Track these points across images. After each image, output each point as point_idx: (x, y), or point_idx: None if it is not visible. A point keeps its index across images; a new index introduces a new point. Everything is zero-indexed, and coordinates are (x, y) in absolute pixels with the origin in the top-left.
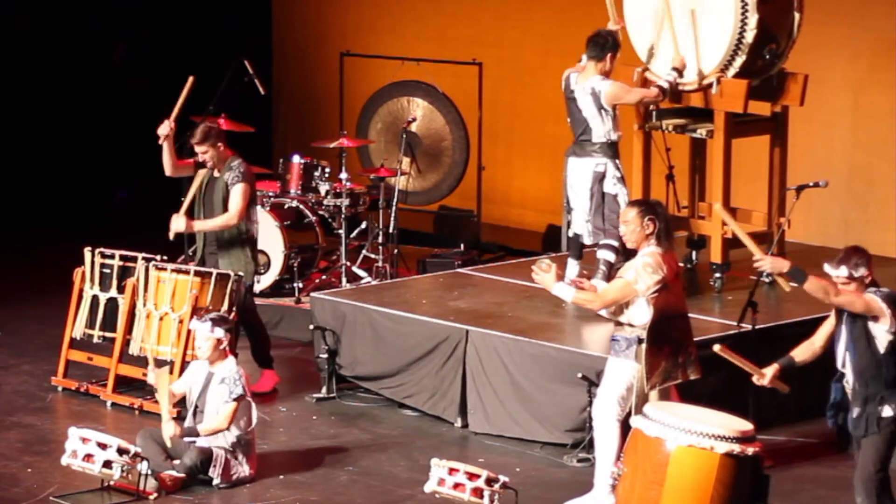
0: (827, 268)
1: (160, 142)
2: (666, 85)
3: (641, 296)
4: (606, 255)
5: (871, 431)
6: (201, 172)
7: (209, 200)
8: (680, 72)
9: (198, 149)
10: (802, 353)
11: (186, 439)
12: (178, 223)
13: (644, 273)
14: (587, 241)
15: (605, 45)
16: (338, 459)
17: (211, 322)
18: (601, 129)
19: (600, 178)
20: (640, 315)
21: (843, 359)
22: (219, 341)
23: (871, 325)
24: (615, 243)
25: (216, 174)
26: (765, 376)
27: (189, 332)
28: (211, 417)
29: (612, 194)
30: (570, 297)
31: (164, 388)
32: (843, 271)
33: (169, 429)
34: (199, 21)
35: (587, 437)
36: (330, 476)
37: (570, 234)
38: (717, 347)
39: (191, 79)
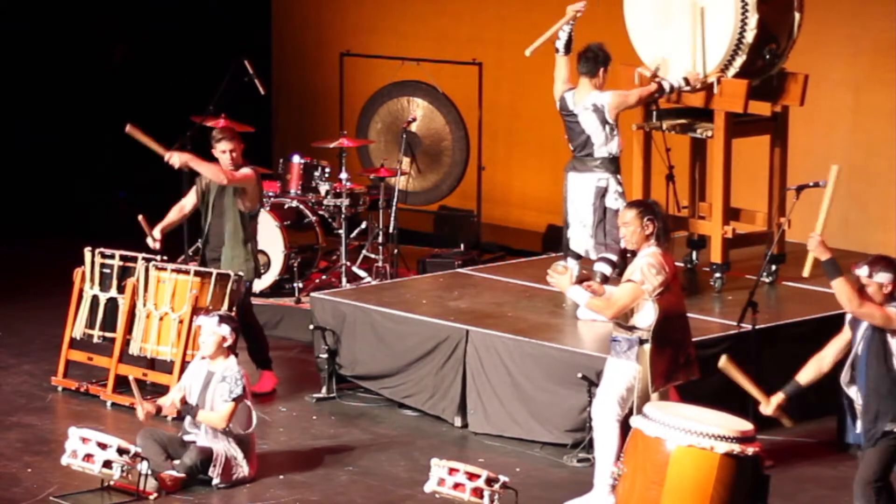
0: (855, 269)
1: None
2: (667, 86)
3: (647, 297)
4: (603, 269)
5: (877, 443)
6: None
7: (219, 206)
8: (690, 84)
9: (227, 145)
10: (808, 374)
11: (186, 438)
12: (174, 159)
13: (649, 274)
14: (593, 256)
15: (597, 60)
16: (338, 459)
17: (218, 318)
18: (603, 145)
19: (602, 193)
20: (646, 317)
21: (852, 371)
22: (223, 338)
23: (889, 339)
24: (614, 258)
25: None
26: (770, 404)
27: (189, 332)
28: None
29: (613, 209)
30: (584, 302)
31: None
32: (863, 270)
33: (174, 393)
34: (199, 21)
35: (587, 437)
36: (330, 476)
37: (569, 245)
38: (722, 362)
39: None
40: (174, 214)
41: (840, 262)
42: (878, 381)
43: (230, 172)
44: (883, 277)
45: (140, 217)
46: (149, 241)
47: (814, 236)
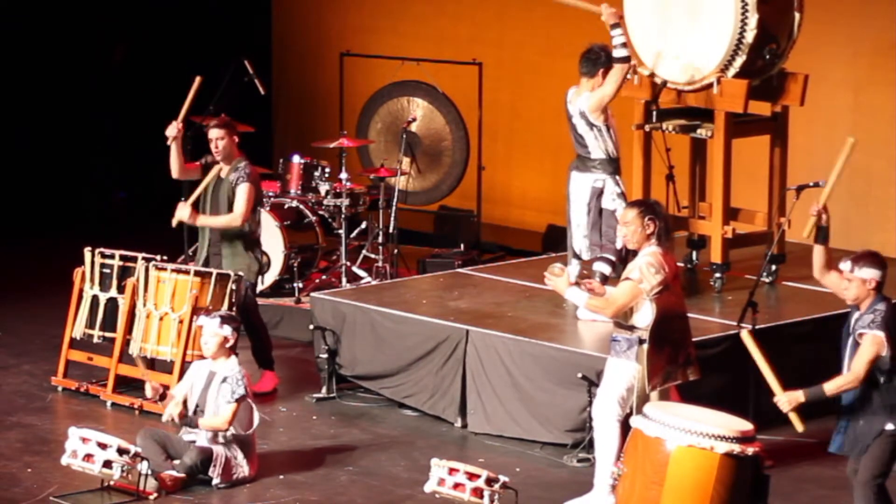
0: (840, 264)
1: (168, 143)
2: (623, 53)
3: (646, 296)
4: (602, 268)
5: (872, 441)
6: (213, 170)
7: (215, 201)
8: (618, 24)
9: (215, 132)
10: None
11: (186, 438)
12: (182, 212)
13: (648, 273)
14: (585, 256)
15: (598, 61)
16: (338, 459)
17: (220, 318)
18: (598, 146)
19: (598, 193)
20: (644, 316)
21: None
22: (225, 339)
23: None
24: (612, 257)
25: (222, 175)
26: (785, 400)
27: (189, 332)
28: (211, 416)
29: (610, 210)
30: (583, 303)
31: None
32: (846, 266)
33: (172, 408)
34: (199, 21)
35: (587, 437)
36: (330, 476)
37: (572, 245)
38: (744, 333)
39: (198, 79)
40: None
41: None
42: (863, 395)
43: (241, 213)
44: (867, 273)
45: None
46: (170, 129)
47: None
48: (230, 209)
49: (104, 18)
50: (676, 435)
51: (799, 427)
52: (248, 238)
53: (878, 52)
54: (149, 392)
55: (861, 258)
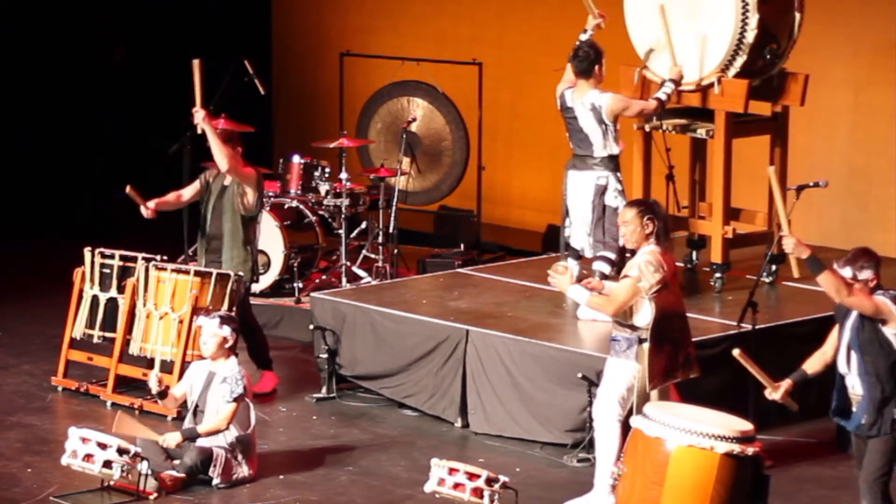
0: (834, 267)
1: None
2: (664, 97)
3: (645, 294)
4: (602, 267)
5: (883, 433)
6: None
7: (218, 207)
8: (677, 83)
9: None
10: (814, 364)
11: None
12: (199, 115)
13: (647, 271)
14: (588, 254)
15: (589, 59)
16: (338, 459)
17: (219, 319)
18: (602, 143)
19: (602, 191)
20: (644, 316)
21: (847, 362)
22: (224, 339)
23: (880, 328)
24: (612, 256)
25: (226, 183)
26: (778, 389)
27: (189, 332)
28: (211, 417)
29: (612, 207)
30: (585, 300)
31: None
32: (846, 272)
33: (170, 439)
34: (199, 21)
35: (587, 437)
36: (330, 476)
37: (569, 242)
38: (736, 352)
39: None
40: (171, 197)
41: (836, 256)
42: (878, 369)
43: (234, 161)
44: (867, 274)
45: (128, 188)
46: (142, 210)
47: (787, 238)
48: (232, 216)
49: (104, 18)
50: (676, 435)
51: (794, 407)
52: (245, 240)
53: (878, 52)
54: (153, 383)
55: (856, 261)
